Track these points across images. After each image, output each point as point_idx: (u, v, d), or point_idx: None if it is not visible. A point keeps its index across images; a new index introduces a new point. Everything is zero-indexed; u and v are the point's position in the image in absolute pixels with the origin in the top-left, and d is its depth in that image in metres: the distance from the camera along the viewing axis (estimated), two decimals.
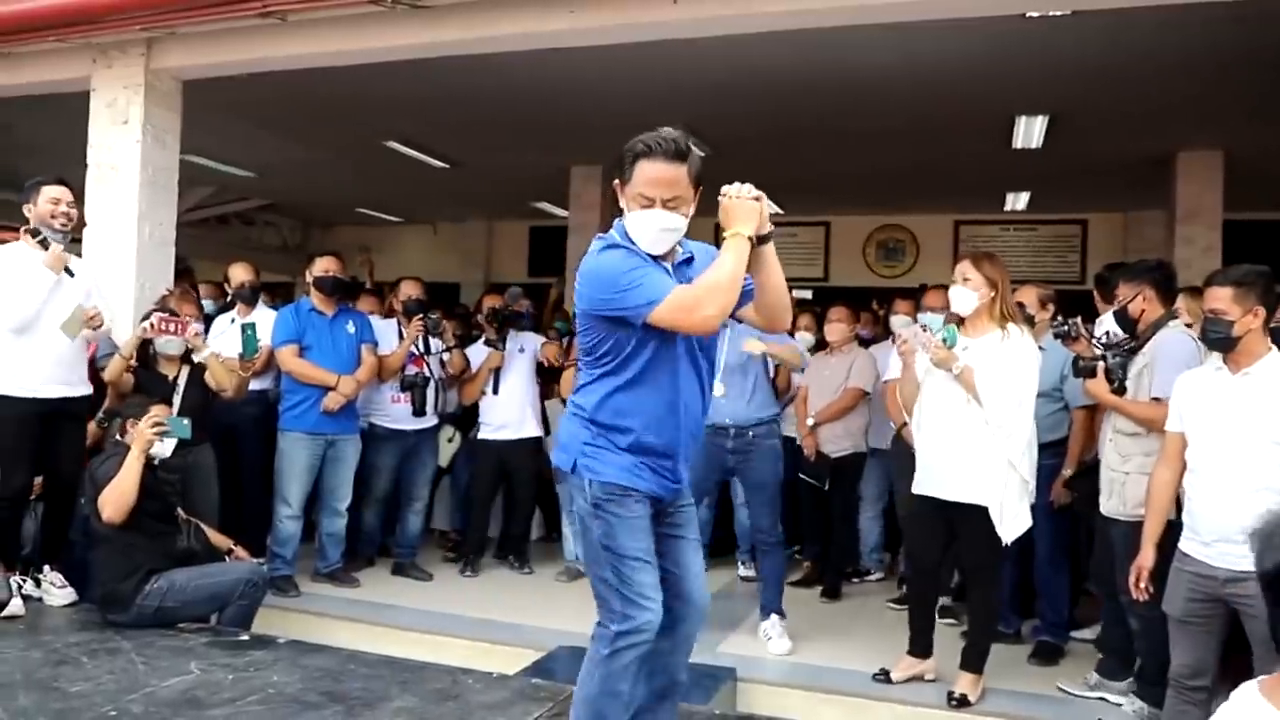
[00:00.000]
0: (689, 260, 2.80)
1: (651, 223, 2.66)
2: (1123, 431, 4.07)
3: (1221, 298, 3.35)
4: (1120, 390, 4.07)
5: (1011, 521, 4.03)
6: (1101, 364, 4.12)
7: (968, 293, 4.10)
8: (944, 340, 4.06)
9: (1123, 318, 4.19)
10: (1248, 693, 1.50)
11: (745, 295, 2.73)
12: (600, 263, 2.68)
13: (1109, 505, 4.07)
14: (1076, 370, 4.27)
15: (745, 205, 2.60)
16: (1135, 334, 4.15)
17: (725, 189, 2.63)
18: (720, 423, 4.78)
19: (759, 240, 2.63)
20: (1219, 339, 3.36)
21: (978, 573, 4.23)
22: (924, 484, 4.24)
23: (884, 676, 4.40)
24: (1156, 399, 3.88)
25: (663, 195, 2.64)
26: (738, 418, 4.85)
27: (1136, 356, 4.09)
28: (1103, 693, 4.26)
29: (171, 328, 4.92)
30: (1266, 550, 1.48)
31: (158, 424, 4.36)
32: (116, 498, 4.22)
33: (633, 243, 2.69)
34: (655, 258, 2.70)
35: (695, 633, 2.96)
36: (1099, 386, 4.13)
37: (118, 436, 4.50)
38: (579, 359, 2.88)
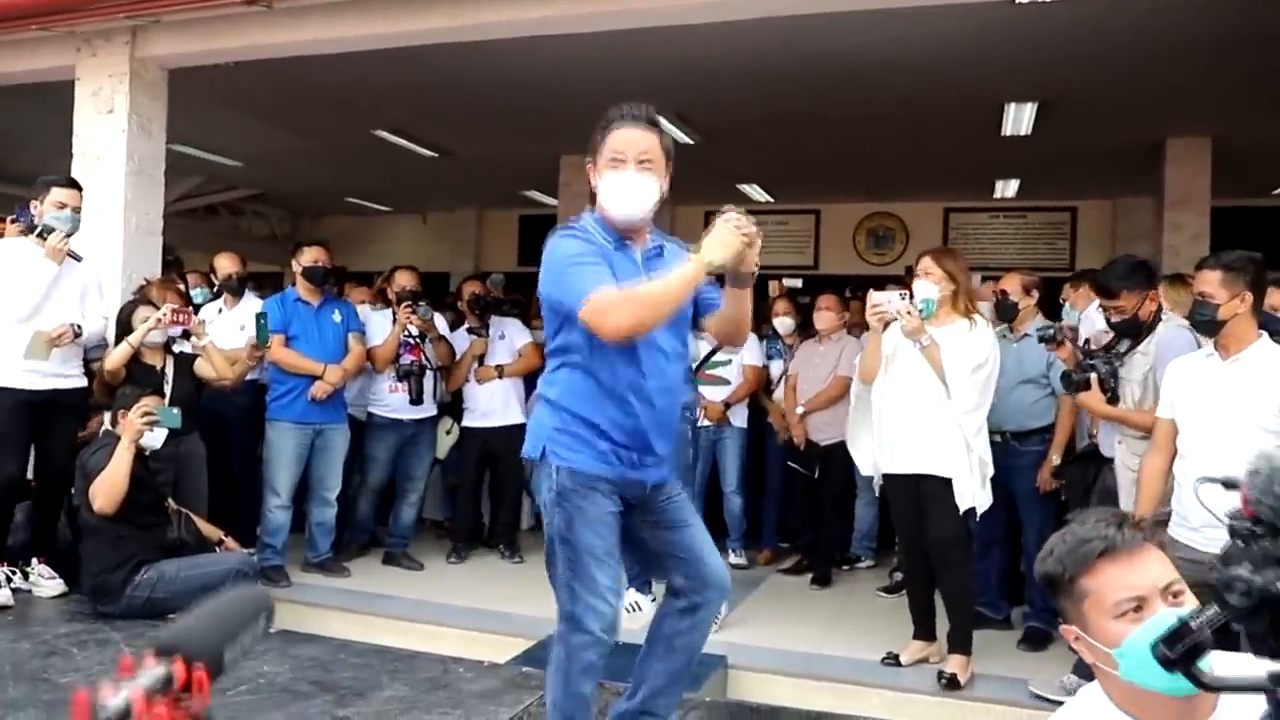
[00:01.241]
0: (659, 252, 2.72)
1: (624, 182, 2.59)
2: (1131, 434, 4.00)
3: (1210, 281, 3.37)
4: (1114, 399, 4.01)
5: (969, 495, 4.12)
6: (1094, 375, 4.04)
7: (929, 285, 4.25)
8: (920, 311, 4.14)
9: (1133, 326, 4.08)
10: (1091, 691, 1.57)
11: (709, 307, 2.70)
12: (552, 250, 2.62)
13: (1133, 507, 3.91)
14: (1067, 384, 4.16)
15: (729, 235, 2.45)
16: (1139, 337, 4.09)
17: (728, 209, 2.49)
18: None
19: (736, 281, 2.55)
20: (1205, 321, 3.39)
21: (945, 554, 4.24)
22: (889, 463, 4.33)
23: (893, 660, 4.44)
24: None
25: (635, 154, 2.59)
26: None
27: (1135, 357, 4.04)
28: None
29: (180, 319, 4.92)
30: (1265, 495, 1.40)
31: (147, 414, 4.35)
32: (107, 489, 4.21)
33: (603, 229, 2.64)
34: (624, 242, 2.65)
35: (715, 613, 2.95)
36: (1094, 399, 4.04)
37: (109, 427, 4.49)
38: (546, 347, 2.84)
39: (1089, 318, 4.94)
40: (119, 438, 4.33)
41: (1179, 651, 1.22)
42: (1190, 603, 1.50)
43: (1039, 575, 1.66)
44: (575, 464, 2.62)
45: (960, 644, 4.25)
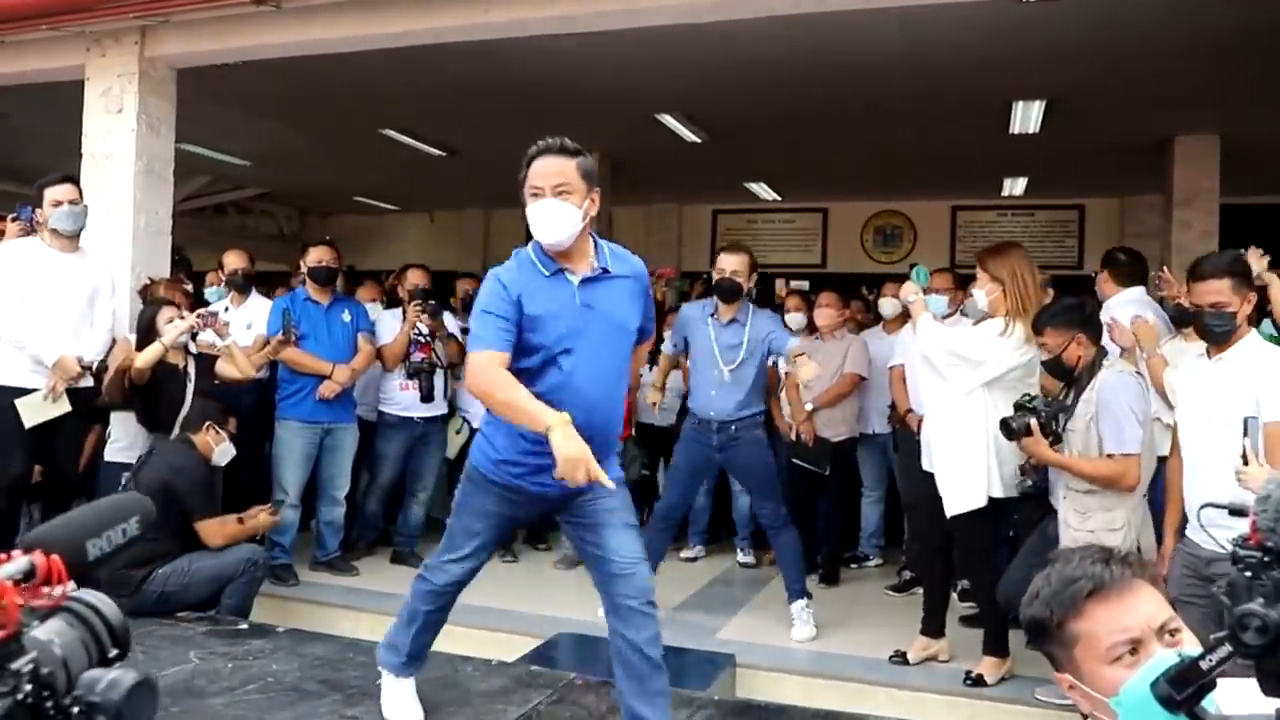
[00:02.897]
0: (602, 275, 2.92)
1: (543, 211, 2.82)
2: (1076, 489, 3.81)
3: (1222, 290, 3.30)
4: (1056, 440, 3.81)
5: (957, 494, 4.07)
6: (1032, 420, 3.79)
7: (978, 293, 4.23)
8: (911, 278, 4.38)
9: (1058, 367, 3.92)
10: None
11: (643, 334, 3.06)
12: (481, 288, 2.95)
13: None
14: (1008, 434, 3.85)
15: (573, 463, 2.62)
16: (1071, 380, 3.93)
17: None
18: (706, 417, 4.88)
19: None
20: (1225, 331, 3.32)
21: (965, 554, 4.26)
22: (924, 461, 4.36)
23: (900, 658, 4.44)
24: (1111, 455, 3.68)
25: (550, 183, 2.81)
26: (724, 413, 4.87)
27: (1079, 405, 3.84)
28: None
29: (209, 321, 4.97)
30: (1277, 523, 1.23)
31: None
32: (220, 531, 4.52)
33: (542, 257, 2.88)
34: (561, 269, 2.87)
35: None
36: (1040, 445, 3.79)
37: (188, 435, 4.56)
38: None
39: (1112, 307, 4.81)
40: (196, 450, 4.55)
41: (1186, 693, 1.14)
42: (1188, 640, 1.40)
43: (1024, 621, 1.53)
44: None
45: (987, 645, 4.25)
